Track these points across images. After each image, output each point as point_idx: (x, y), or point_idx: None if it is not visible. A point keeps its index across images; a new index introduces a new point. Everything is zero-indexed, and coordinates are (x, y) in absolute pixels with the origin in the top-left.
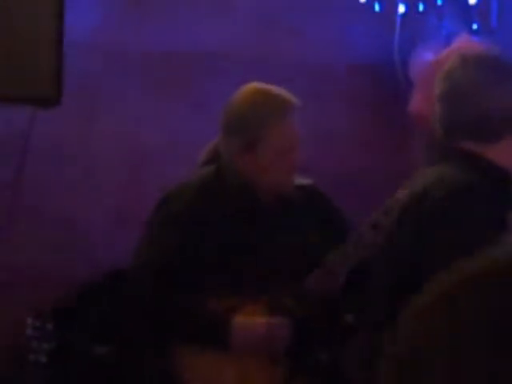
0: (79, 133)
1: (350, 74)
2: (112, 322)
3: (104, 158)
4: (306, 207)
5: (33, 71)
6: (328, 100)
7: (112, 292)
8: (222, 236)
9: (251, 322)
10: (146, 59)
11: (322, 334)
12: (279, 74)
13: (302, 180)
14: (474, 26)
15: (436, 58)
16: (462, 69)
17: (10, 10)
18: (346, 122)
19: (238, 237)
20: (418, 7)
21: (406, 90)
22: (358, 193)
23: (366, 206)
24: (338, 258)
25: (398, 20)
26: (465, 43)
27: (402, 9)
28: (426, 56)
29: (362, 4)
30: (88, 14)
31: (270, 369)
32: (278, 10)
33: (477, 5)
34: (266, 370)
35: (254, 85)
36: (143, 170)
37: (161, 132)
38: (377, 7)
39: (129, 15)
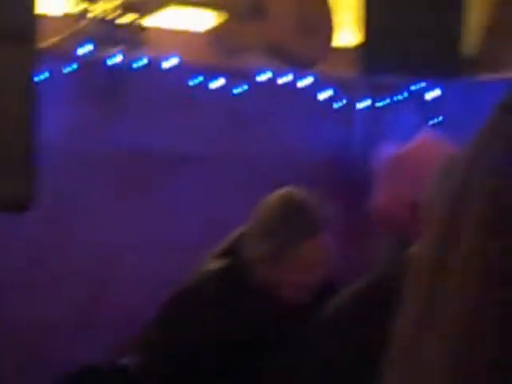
0: (49, 234)
1: (312, 171)
2: None
3: (74, 256)
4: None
5: (5, 173)
6: None
7: None
8: (239, 336)
9: None
10: (117, 158)
11: None
12: (242, 173)
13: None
14: (434, 121)
15: (397, 153)
16: None
17: None
18: None
19: (256, 340)
20: (378, 103)
21: (366, 185)
22: None
23: None
24: None
25: (359, 116)
26: (426, 137)
27: (362, 104)
28: (386, 150)
29: (323, 101)
30: (54, 115)
31: None
32: (239, 112)
33: (436, 100)
34: None
35: (291, 192)
36: (113, 269)
37: (129, 234)
38: (338, 104)
39: (98, 116)
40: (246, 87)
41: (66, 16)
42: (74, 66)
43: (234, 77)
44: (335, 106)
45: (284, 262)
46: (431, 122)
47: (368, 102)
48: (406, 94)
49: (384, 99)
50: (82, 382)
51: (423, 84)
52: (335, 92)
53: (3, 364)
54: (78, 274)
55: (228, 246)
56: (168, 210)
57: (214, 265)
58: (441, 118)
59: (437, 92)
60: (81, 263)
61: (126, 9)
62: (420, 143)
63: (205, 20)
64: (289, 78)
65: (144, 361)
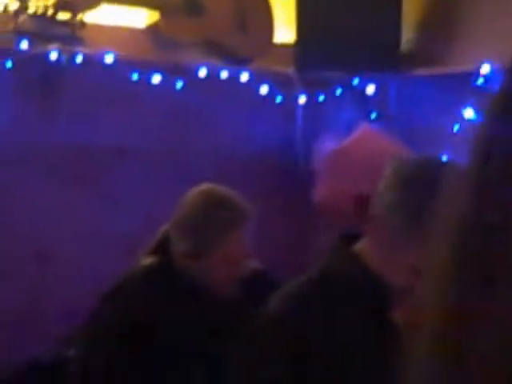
0: None
1: (252, 166)
2: None
3: (14, 251)
4: (251, 290)
5: None
6: (234, 190)
7: None
8: (172, 337)
9: None
10: (55, 153)
11: None
12: (182, 168)
13: (251, 264)
14: (373, 115)
15: (338, 147)
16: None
17: None
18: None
19: (189, 335)
20: (317, 98)
21: (308, 179)
22: None
23: None
24: None
25: (299, 111)
26: (365, 132)
27: (302, 99)
28: (328, 145)
29: (263, 96)
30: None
31: None
32: (182, 106)
33: (375, 94)
34: None
35: (210, 188)
36: (53, 263)
37: (71, 225)
38: (278, 99)
39: (37, 113)
40: (185, 82)
41: (4, 12)
42: (12, 61)
43: (173, 72)
44: (276, 100)
45: (209, 256)
46: (370, 117)
47: (306, 98)
48: (344, 89)
49: (322, 94)
50: (29, 377)
51: (361, 79)
52: (273, 87)
53: None
54: (18, 268)
55: (156, 243)
56: (107, 203)
57: (144, 262)
58: (379, 113)
59: (375, 87)
60: (20, 257)
61: (62, 6)
62: (360, 137)
63: (141, 16)
64: (228, 73)
65: (78, 355)
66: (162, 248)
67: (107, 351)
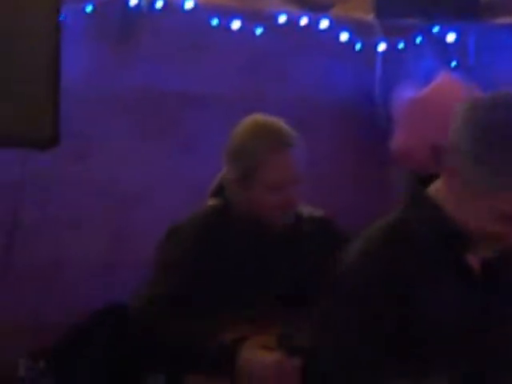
0: (69, 175)
1: (331, 113)
2: (109, 360)
3: (94, 200)
4: (315, 239)
5: (31, 113)
6: (310, 140)
7: (105, 330)
8: (230, 268)
9: (259, 359)
10: (132, 97)
11: None
12: (261, 112)
13: (313, 211)
14: (453, 63)
15: (417, 96)
16: None
17: (8, 55)
18: (328, 162)
19: (246, 268)
20: (397, 45)
21: (387, 127)
22: None
23: None
24: None
25: (379, 58)
26: (445, 80)
27: (382, 47)
28: (407, 94)
29: (343, 43)
30: (75, 57)
31: None
32: (261, 52)
33: (455, 42)
34: None
35: (257, 116)
36: (133, 211)
37: (150, 173)
38: (358, 46)
39: (116, 57)
40: (265, 29)
41: None
42: (92, 6)
43: (252, 18)
44: (356, 48)
45: (255, 183)
46: (450, 66)
47: (386, 45)
48: (424, 37)
49: (402, 42)
50: (109, 318)
51: (442, 27)
52: (353, 34)
53: (21, 304)
54: (99, 213)
55: (216, 185)
56: (184, 149)
57: (207, 204)
58: (459, 62)
59: (455, 35)
60: (101, 202)
61: None
62: (439, 86)
63: None
64: (308, 20)
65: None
66: (221, 189)
67: (169, 283)
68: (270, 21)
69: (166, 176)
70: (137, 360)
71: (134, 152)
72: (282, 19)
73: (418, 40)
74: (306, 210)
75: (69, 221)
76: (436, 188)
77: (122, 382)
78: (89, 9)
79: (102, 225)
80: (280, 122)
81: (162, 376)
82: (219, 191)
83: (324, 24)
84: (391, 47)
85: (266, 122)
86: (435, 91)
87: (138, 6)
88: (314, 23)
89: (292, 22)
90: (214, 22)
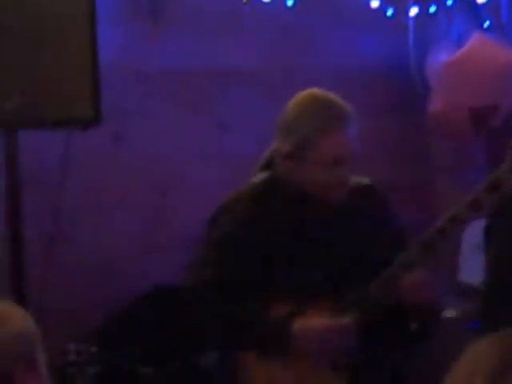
0: (109, 154)
1: (364, 80)
2: (158, 342)
3: (133, 179)
4: (362, 208)
5: (71, 93)
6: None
7: (152, 312)
8: (278, 245)
9: (311, 321)
10: (168, 78)
11: (386, 341)
12: (296, 86)
13: (360, 179)
14: (485, 24)
15: (451, 59)
16: None
17: (46, 39)
18: (362, 129)
19: (295, 244)
20: (428, 9)
21: (422, 92)
22: None
23: None
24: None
25: (411, 23)
26: (479, 42)
27: (413, 12)
28: (440, 57)
29: (374, 10)
30: (110, 35)
31: (331, 376)
32: (291, 24)
33: (486, 3)
34: (327, 377)
35: (314, 91)
36: (172, 190)
37: (188, 151)
38: (389, 12)
39: (151, 35)
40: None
41: None
42: None
43: None
44: (387, 13)
45: (306, 158)
46: (483, 26)
47: (418, 9)
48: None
49: (434, 5)
50: (155, 300)
51: None
52: (383, 1)
53: (68, 290)
54: (141, 190)
55: (265, 159)
56: (221, 126)
57: (254, 179)
58: (492, 22)
59: None
60: (144, 178)
61: None
62: (473, 48)
63: None
64: None
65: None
66: (270, 163)
67: (223, 262)
68: None
69: (204, 154)
70: (188, 341)
71: (170, 128)
72: None
73: (450, 2)
74: (353, 179)
75: (109, 202)
76: None
77: (171, 364)
78: None
79: (141, 205)
80: (338, 98)
81: (214, 354)
82: (269, 165)
83: None
84: (423, 11)
85: (324, 97)
86: (469, 53)
87: None
88: None
89: None
90: None
